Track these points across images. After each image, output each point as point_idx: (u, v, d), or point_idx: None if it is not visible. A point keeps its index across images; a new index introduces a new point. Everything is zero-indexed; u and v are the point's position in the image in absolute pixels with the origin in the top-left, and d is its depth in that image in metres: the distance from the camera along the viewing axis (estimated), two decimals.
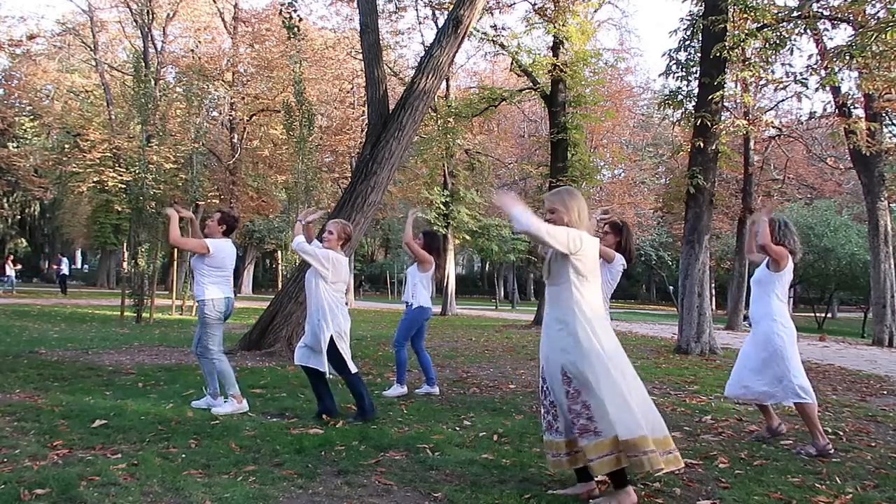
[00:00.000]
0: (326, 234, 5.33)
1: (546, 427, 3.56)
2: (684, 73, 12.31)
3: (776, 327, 4.70)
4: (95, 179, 25.65)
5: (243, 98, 27.10)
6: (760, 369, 4.76)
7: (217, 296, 5.46)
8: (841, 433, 5.29)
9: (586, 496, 3.54)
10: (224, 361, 5.51)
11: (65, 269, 28.75)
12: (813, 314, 29.76)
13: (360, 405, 5.20)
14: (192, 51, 27.37)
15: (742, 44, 11.24)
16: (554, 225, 3.40)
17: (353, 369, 5.19)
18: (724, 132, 12.18)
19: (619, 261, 4.77)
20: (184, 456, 4.05)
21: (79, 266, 50.70)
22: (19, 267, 29.30)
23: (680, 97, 12.18)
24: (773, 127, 19.51)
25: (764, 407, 4.96)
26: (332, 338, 5.10)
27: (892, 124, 18.16)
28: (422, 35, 30.63)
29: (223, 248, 5.56)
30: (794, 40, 11.70)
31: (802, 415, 4.70)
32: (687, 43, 12.52)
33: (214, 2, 27.48)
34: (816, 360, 11.20)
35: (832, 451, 4.53)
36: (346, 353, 5.16)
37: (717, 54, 10.73)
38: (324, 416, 5.16)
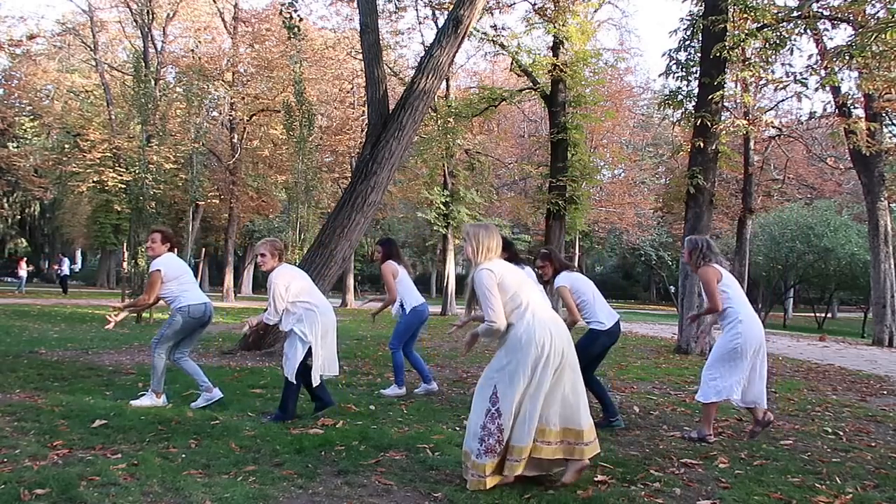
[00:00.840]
0: (259, 259, 5.33)
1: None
2: (684, 73, 12.31)
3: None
4: (95, 179, 25.64)
5: (243, 98, 27.08)
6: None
7: (192, 301, 5.57)
8: (841, 433, 5.30)
9: (579, 473, 3.70)
10: (161, 359, 5.60)
11: (65, 270, 28.76)
12: (813, 314, 29.76)
13: (282, 407, 5.20)
14: (192, 51, 27.36)
15: (742, 44, 11.24)
16: (486, 300, 3.68)
17: (291, 378, 5.16)
18: (724, 132, 12.18)
19: (560, 278, 5.42)
20: (184, 456, 4.05)
21: (79, 266, 50.67)
22: (31, 268, 29.49)
23: (680, 97, 12.18)
24: (773, 127, 19.49)
25: (752, 409, 5.06)
26: (294, 337, 5.17)
27: (892, 124, 18.15)
28: (422, 35, 30.63)
29: (169, 262, 5.65)
30: (794, 40, 11.71)
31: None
32: (687, 43, 12.52)
33: (214, 2, 27.45)
34: (816, 360, 11.21)
35: (712, 441, 4.83)
36: (295, 358, 5.15)
37: (717, 54, 10.73)
38: (322, 420, 5.13)
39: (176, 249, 6.00)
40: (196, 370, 5.68)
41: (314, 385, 5.27)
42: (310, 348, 5.16)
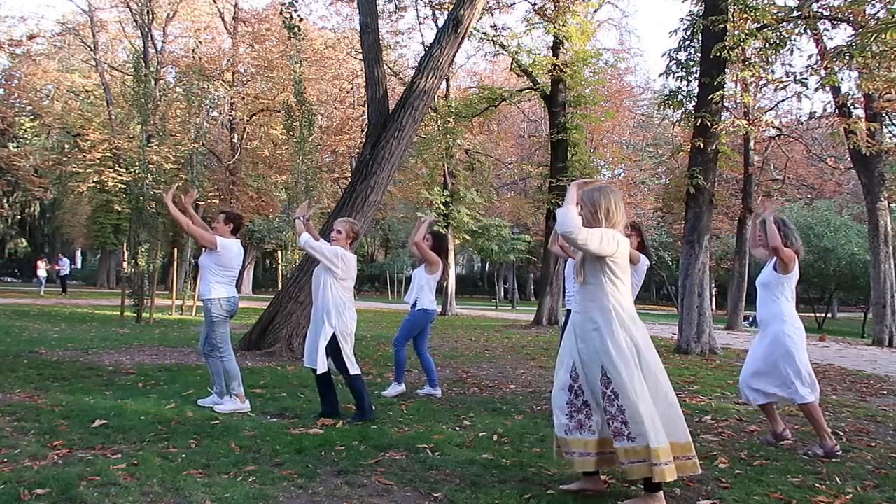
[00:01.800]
0: (335, 234, 5.31)
1: (576, 426, 3.46)
2: (684, 73, 12.31)
3: (786, 328, 4.67)
4: (95, 179, 25.67)
5: (243, 98, 27.10)
6: (770, 371, 4.71)
7: (223, 295, 5.48)
8: (841, 433, 5.29)
9: (592, 491, 3.54)
10: (232, 360, 5.53)
11: (65, 270, 28.78)
12: (813, 314, 29.75)
13: (360, 405, 5.19)
14: (193, 51, 27.37)
15: (742, 44, 11.24)
16: (588, 226, 3.36)
17: (355, 371, 5.15)
18: (724, 132, 12.18)
19: (644, 261, 4.90)
20: (184, 456, 4.05)
21: (79, 266, 50.71)
22: (49, 267, 29.63)
23: (680, 97, 12.17)
24: (773, 127, 19.50)
25: (769, 412, 4.89)
26: (334, 335, 5.08)
27: (892, 124, 18.15)
28: (422, 35, 30.65)
29: (231, 248, 5.57)
30: (794, 40, 11.70)
31: (808, 416, 4.68)
32: (687, 43, 12.51)
33: (214, 2, 27.48)
34: (816, 360, 11.19)
35: (839, 453, 4.51)
36: (347, 353, 5.13)
37: (717, 54, 10.73)
38: (322, 421, 5.09)
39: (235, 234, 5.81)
40: (219, 371, 5.57)
41: (320, 371, 5.18)
42: (340, 344, 5.09)
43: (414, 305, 6.55)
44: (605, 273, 3.40)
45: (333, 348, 5.10)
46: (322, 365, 5.09)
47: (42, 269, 27.12)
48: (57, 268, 28.66)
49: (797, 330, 4.71)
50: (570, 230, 3.24)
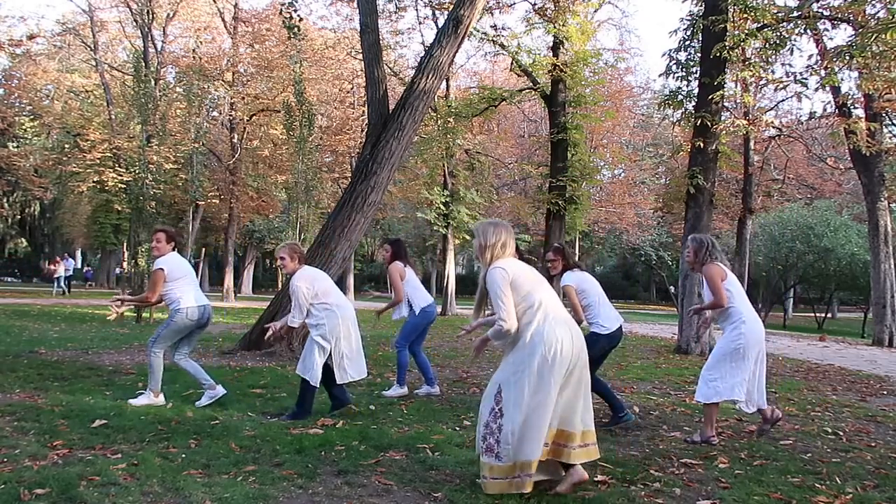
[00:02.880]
0: (280, 263, 5.42)
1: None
2: (684, 73, 12.31)
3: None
4: (95, 179, 25.64)
5: (243, 98, 27.07)
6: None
7: (191, 304, 5.57)
8: (841, 433, 5.30)
9: (580, 482, 3.58)
10: (158, 358, 5.60)
11: (69, 270, 28.71)
12: (813, 314, 29.76)
13: (299, 403, 5.25)
14: (193, 51, 27.37)
15: (742, 44, 11.24)
16: (498, 300, 3.57)
17: (314, 382, 5.19)
18: (724, 132, 12.18)
19: (567, 277, 5.34)
20: (184, 456, 4.05)
21: (79, 266, 50.71)
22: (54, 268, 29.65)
23: (680, 97, 12.18)
24: (773, 127, 19.49)
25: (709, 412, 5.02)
26: (312, 340, 5.22)
27: (892, 124, 18.15)
28: (422, 35, 30.63)
29: (171, 261, 5.65)
30: (794, 40, 11.71)
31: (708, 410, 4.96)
32: (687, 43, 12.52)
33: (214, 2, 27.45)
34: (816, 360, 11.20)
35: (714, 442, 4.79)
36: (315, 361, 5.19)
37: (717, 54, 10.73)
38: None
39: (178, 249, 5.99)
40: (197, 369, 5.71)
41: (339, 382, 5.30)
42: (330, 350, 5.23)
43: (411, 309, 6.53)
44: (519, 308, 3.60)
45: (308, 350, 5.24)
46: (307, 374, 5.20)
47: (60, 268, 27.07)
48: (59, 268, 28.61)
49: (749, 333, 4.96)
50: (507, 329, 3.53)
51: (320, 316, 5.23)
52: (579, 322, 5.10)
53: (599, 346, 5.25)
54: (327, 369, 5.28)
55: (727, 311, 4.91)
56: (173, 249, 5.78)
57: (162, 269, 5.55)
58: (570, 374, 3.52)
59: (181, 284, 5.62)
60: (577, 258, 5.94)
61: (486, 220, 4.01)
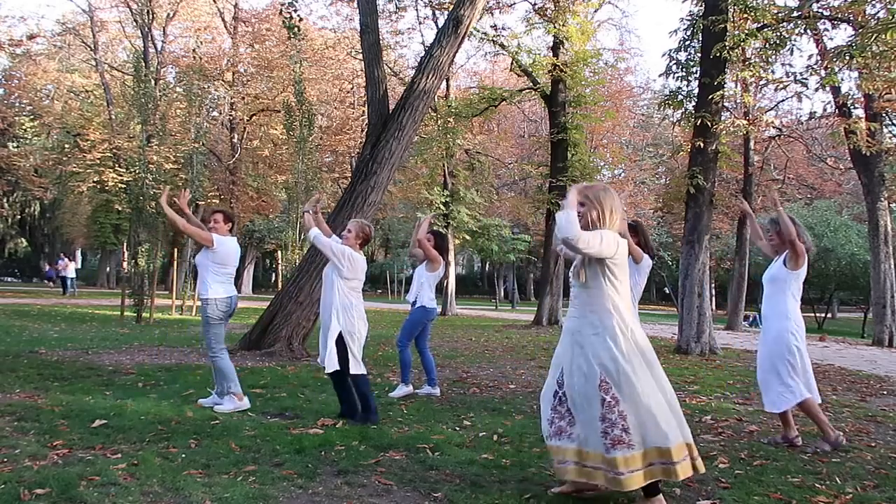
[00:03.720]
0: (345, 233, 5.31)
1: (555, 432, 3.41)
2: (684, 73, 12.31)
3: (790, 326, 4.68)
4: (95, 179, 25.66)
5: (243, 98, 27.09)
6: (775, 369, 4.70)
7: (220, 295, 5.49)
8: (841, 433, 5.29)
9: (588, 490, 3.50)
10: (224, 359, 5.52)
11: (69, 271, 28.61)
12: (813, 314, 29.75)
13: (364, 406, 5.14)
14: (193, 51, 27.37)
15: (742, 44, 11.24)
16: (593, 227, 3.34)
17: (359, 370, 5.10)
18: (724, 132, 12.18)
19: (647, 260, 4.93)
20: (184, 456, 4.05)
21: (79, 265, 50.67)
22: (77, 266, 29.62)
23: (680, 97, 12.17)
24: (773, 127, 19.51)
25: (783, 415, 4.80)
26: (340, 334, 5.05)
27: (892, 124, 18.15)
28: (422, 35, 30.67)
29: (228, 245, 5.58)
30: (794, 40, 11.70)
31: (807, 412, 4.71)
32: (687, 43, 12.51)
33: (214, 2, 27.48)
34: (816, 360, 11.19)
35: (844, 442, 4.59)
36: (354, 352, 5.09)
37: (717, 54, 10.73)
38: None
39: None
40: (224, 372, 5.54)
41: (352, 373, 5.14)
42: (346, 343, 5.07)
43: (414, 303, 6.56)
44: (604, 275, 3.34)
45: (340, 347, 5.07)
46: (330, 363, 5.05)
47: (71, 269, 27.04)
48: (58, 268, 28.60)
49: (799, 329, 4.71)
50: (572, 236, 3.17)
51: (351, 305, 5.08)
52: None
53: None
54: (339, 374, 5.14)
55: (777, 304, 4.69)
56: (230, 232, 5.67)
57: (215, 244, 5.43)
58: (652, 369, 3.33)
59: (222, 271, 5.51)
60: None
61: (590, 184, 3.64)
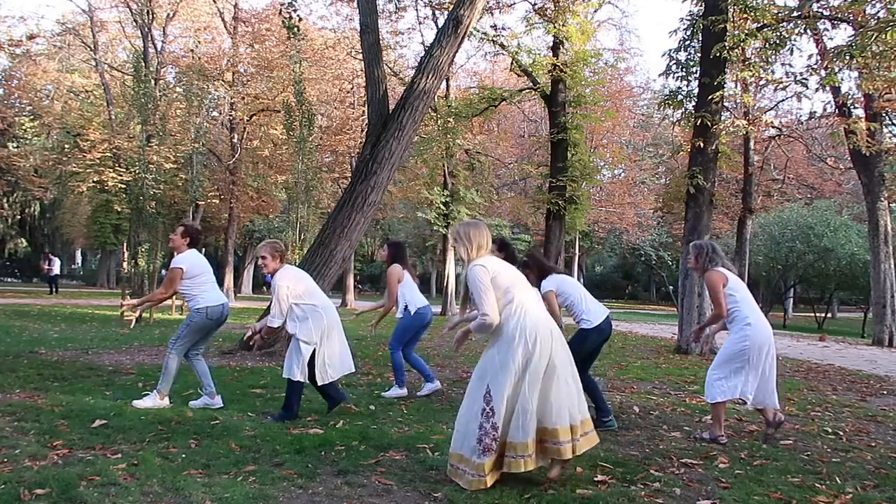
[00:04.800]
0: (261, 262, 5.36)
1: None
2: (684, 73, 12.32)
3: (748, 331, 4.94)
4: (95, 179, 25.60)
5: (243, 98, 27.05)
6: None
7: (210, 303, 5.52)
8: (841, 433, 5.30)
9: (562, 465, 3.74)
10: (175, 361, 5.53)
11: (55, 270, 28.49)
12: (813, 314, 29.76)
13: (286, 405, 5.22)
14: (192, 51, 27.36)
15: (742, 44, 11.24)
16: (479, 294, 3.69)
17: (297, 378, 5.17)
18: (724, 132, 12.18)
19: (545, 286, 5.34)
20: (184, 456, 4.05)
21: (79, 265, 50.67)
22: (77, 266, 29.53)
23: (680, 97, 12.18)
24: (773, 127, 19.47)
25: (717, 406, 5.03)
26: (298, 341, 5.21)
27: (892, 124, 18.15)
28: (422, 35, 30.65)
29: (189, 259, 5.57)
30: (794, 40, 11.70)
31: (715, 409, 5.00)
32: (687, 43, 12.52)
33: (214, 2, 27.44)
34: (816, 360, 11.21)
35: (724, 441, 4.82)
36: (301, 359, 5.18)
37: (717, 54, 10.73)
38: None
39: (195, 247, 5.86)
40: (205, 372, 5.62)
41: (320, 384, 5.31)
42: (314, 350, 5.21)
43: (406, 310, 6.52)
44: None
45: (293, 351, 5.23)
46: (291, 373, 5.17)
47: (56, 267, 27.07)
48: (46, 268, 28.41)
49: (757, 334, 4.97)
50: (489, 322, 3.66)
51: (305, 316, 5.21)
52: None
53: (591, 341, 5.28)
54: (313, 370, 5.27)
55: (732, 314, 4.95)
56: (191, 245, 5.68)
57: (180, 267, 5.46)
58: (554, 368, 3.64)
59: (200, 282, 5.54)
60: (550, 262, 6.00)
61: (462, 221, 4.19)
